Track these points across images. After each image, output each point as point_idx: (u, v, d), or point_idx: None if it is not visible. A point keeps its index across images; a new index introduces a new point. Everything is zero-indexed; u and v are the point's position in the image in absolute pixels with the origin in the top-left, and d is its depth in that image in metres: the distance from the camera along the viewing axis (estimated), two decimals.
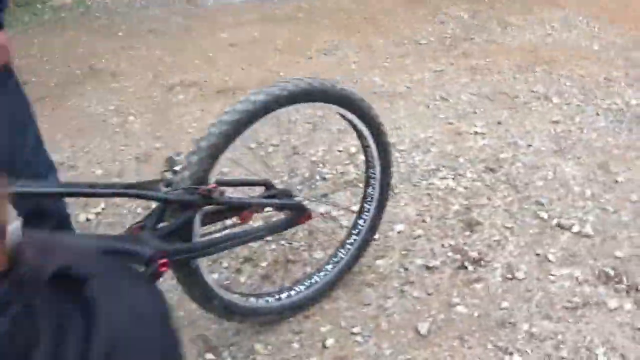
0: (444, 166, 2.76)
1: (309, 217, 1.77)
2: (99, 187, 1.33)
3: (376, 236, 2.30)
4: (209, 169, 1.44)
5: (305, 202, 1.82)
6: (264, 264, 2.20)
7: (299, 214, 1.73)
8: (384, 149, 1.85)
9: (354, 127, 1.80)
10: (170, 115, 3.67)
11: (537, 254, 2.14)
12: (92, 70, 4.64)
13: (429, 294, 2.00)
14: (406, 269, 2.12)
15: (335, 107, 1.68)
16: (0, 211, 0.48)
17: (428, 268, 2.11)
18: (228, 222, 1.64)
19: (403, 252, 2.21)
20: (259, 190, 1.86)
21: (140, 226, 1.42)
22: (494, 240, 2.23)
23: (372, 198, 1.96)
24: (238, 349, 1.86)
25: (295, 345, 1.85)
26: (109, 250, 1.29)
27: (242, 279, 2.14)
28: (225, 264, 2.22)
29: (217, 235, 1.58)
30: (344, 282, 2.07)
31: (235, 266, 2.18)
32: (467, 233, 2.29)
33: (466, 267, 2.10)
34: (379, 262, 2.17)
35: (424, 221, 2.38)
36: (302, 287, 1.95)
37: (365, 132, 1.80)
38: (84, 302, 0.48)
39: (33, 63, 4.79)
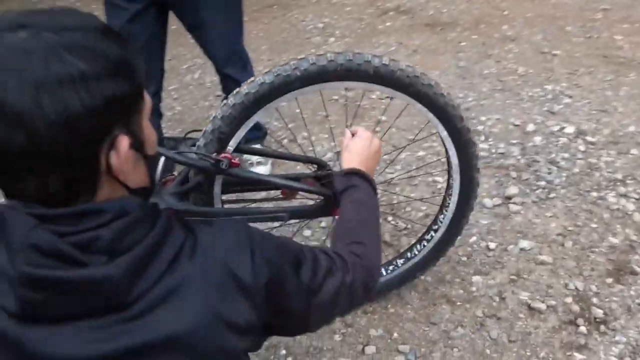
0: (633, 179, 2.08)
1: None
2: None
3: (493, 246, 1.92)
4: (227, 138, 1.33)
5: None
6: None
7: (331, 204, 1.50)
8: (458, 133, 1.46)
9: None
10: (367, 43, 3.51)
11: None
12: None
13: (510, 341, 1.61)
14: (503, 299, 1.73)
15: (378, 87, 1.35)
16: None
17: (530, 308, 1.68)
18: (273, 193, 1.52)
19: (512, 277, 1.79)
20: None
21: (171, 179, 1.42)
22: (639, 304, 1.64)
23: (452, 191, 1.60)
24: None
25: (337, 337, 1.71)
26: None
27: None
28: (323, 224, 2.12)
29: (237, 206, 1.50)
30: (425, 287, 1.80)
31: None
32: (609, 281, 1.73)
33: (578, 326, 1.61)
34: (476, 278, 1.81)
35: (562, 245, 1.87)
36: None
37: (424, 110, 1.42)
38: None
39: None
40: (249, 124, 1.35)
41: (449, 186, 1.63)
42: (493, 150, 2.36)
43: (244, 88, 1.31)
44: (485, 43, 3.27)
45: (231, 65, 2.16)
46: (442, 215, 1.69)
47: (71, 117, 0.61)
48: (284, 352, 1.66)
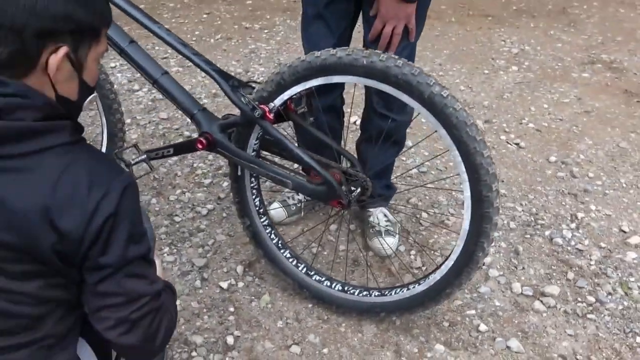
0: None
1: (341, 205, 1.51)
2: (195, 54, 1.51)
3: (483, 329, 1.72)
4: (282, 89, 1.44)
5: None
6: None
7: (332, 195, 1.50)
8: (462, 144, 1.31)
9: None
10: (545, 85, 3.21)
11: None
12: None
13: None
14: None
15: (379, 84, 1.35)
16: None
17: None
18: None
19: None
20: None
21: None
22: None
23: (449, 257, 1.49)
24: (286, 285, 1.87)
25: (280, 323, 1.74)
26: (185, 107, 1.58)
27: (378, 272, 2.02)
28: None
29: (264, 162, 1.58)
30: (387, 327, 1.71)
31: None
32: None
33: None
34: (439, 347, 1.66)
35: None
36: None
37: (424, 112, 1.33)
38: None
39: None
40: (306, 85, 1.41)
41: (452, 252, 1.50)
42: (573, 243, 2.05)
43: (320, 52, 1.37)
44: None
45: None
46: (432, 275, 1.57)
47: (34, 11, 0.85)
48: (232, 309, 1.77)
